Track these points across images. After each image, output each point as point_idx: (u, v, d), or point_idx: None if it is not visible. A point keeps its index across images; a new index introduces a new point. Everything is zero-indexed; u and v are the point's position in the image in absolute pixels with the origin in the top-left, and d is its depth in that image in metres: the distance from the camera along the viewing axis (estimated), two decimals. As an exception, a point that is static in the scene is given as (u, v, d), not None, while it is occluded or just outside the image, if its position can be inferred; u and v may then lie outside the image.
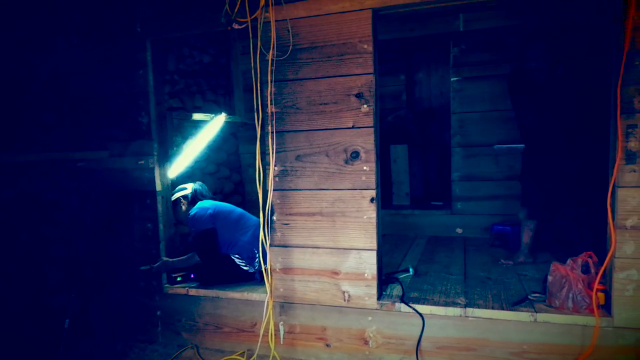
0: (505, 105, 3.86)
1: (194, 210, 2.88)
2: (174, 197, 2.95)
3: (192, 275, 2.86)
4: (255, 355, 2.48)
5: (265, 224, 2.44)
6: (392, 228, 4.54)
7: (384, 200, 4.96)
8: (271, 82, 2.40)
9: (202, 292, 2.73)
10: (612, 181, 2.03)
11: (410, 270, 2.92)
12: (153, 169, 2.73)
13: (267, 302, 2.42)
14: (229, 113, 4.37)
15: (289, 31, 2.35)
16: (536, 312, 2.15)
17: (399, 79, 5.70)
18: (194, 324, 2.76)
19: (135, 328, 2.89)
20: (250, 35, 2.37)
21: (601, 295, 2.14)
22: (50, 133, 2.85)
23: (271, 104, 2.43)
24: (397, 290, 2.54)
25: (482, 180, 4.25)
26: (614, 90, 2.00)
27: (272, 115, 2.43)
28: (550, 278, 2.25)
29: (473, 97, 4.21)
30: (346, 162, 2.36)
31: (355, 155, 2.34)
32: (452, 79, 4.27)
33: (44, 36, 2.84)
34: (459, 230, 4.33)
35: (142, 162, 2.74)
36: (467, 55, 4.21)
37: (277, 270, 2.52)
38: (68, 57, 2.88)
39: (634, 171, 1.99)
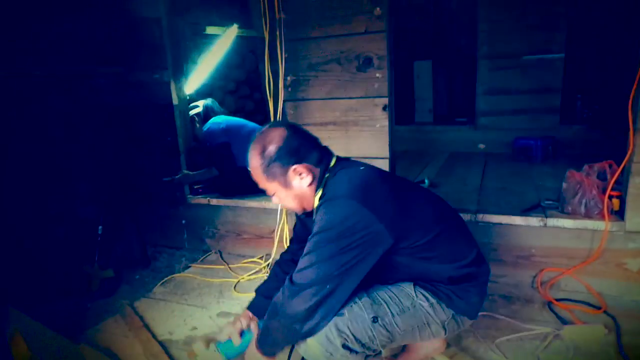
0: (532, 10, 3.63)
1: (207, 125, 2.93)
2: (188, 115, 2.99)
3: (212, 187, 2.97)
4: (272, 259, 2.63)
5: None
6: (414, 144, 4.51)
7: (407, 116, 4.88)
8: (279, -14, 2.31)
9: (223, 201, 2.85)
10: (635, 84, 1.92)
11: (426, 181, 2.94)
12: (169, 82, 2.74)
13: (280, 209, 2.51)
14: (246, 27, 4.27)
15: None
16: (547, 217, 2.16)
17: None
18: (217, 231, 2.92)
19: (163, 236, 3.08)
20: None
21: (616, 201, 2.11)
22: (66, 46, 2.85)
23: (279, 12, 2.35)
24: (410, 199, 2.58)
25: (508, 94, 4.09)
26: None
27: (281, 21, 2.36)
28: (564, 185, 2.22)
29: (501, 2, 3.93)
30: (358, 69, 2.30)
31: (367, 61, 2.28)
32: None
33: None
34: (482, 146, 4.26)
35: (157, 75, 2.76)
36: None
37: (292, 180, 2.58)
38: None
39: (661, 71, 1.86)
